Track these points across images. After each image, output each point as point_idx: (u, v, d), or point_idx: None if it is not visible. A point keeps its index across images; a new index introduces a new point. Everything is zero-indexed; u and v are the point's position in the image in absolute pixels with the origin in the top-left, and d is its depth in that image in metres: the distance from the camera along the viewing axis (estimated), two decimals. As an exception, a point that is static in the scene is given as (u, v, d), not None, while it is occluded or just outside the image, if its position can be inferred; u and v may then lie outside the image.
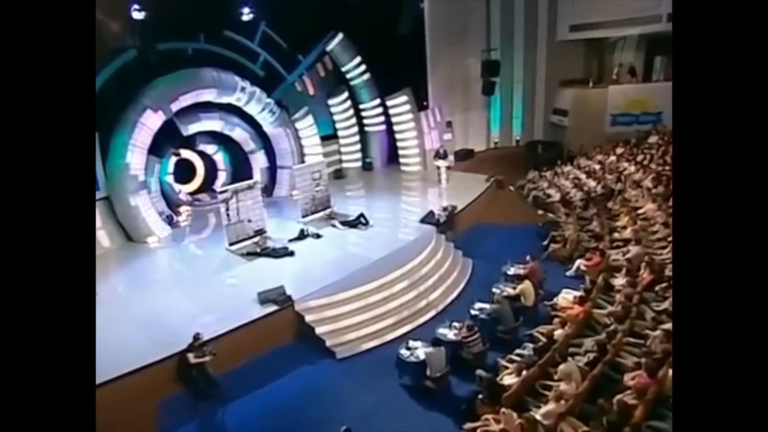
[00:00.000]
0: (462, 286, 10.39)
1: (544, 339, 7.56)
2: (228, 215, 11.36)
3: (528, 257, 9.96)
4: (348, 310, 8.96)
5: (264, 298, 8.78)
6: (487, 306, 8.78)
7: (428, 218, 12.25)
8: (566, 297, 8.97)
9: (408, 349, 7.67)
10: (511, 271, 9.99)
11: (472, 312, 8.66)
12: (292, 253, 10.95)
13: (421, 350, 7.58)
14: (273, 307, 8.65)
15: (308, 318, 8.75)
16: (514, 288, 9.24)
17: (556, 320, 7.92)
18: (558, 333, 7.37)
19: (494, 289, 9.36)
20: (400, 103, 16.69)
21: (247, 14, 13.39)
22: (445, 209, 12.47)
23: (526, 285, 9.06)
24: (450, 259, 11.04)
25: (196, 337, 7.56)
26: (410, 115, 16.76)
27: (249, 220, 11.70)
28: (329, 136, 16.88)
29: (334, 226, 12.36)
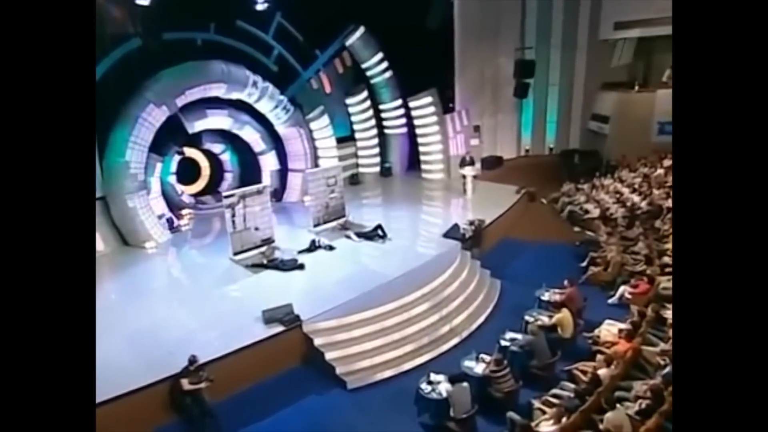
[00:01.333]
0: (489, 310, 10.04)
1: (585, 379, 7.05)
2: (233, 222, 11.22)
3: (566, 282, 9.46)
4: (362, 334, 8.70)
5: (269, 317, 8.53)
6: (519, 336, 8.33)
7: (452, 232, 11.93)
8: (609, 329, 8.48)
9: (429, 383, 7.29)
10: (546, 296, 9.52)
11: (502, 343, 8.22)
12: (301, 267, 10.73)
13: (444, 385, 7.19)
14: (279, 328, 8.42)
15: (317, 341, 8.49)
16: (550, 317, 8.76)
17: (600, 357, 7.39)
18: (603, 373, 6.85)
19: (527, 317, 8.91)
20: (423, 105, 16.45)
21: (261, 3, 13.27)
22: (471, 223, 12.10)
23: (564, 314, 8.57)
24: (476, 279, 10.69)
25: (192, 360, 7.25)
26: (434, 118, 16.51)
27: (256, 228, 11.55)
28: (346, 138, 16.72)
29: (348, 237, 12.16)
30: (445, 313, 9.42)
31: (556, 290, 9.56)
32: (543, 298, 9.52)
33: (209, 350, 7.78)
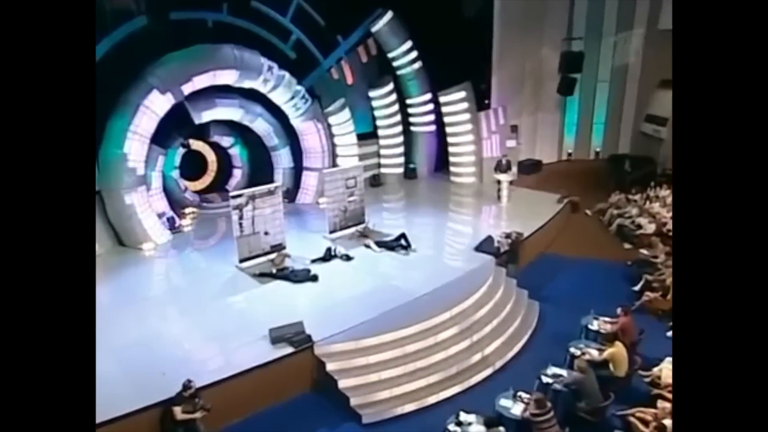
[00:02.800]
0: (526, 338, 9.63)
1: (645, 430, 6.48)
2: (240, 225, 11.02)
3: (618, 309, 8.86)
4: (381, 360, 8.41)
5: (277, 336, 8.27)
6: (563, 373, 7.79)
7: (486, 246, 11.54)
8: (671, 369, 7.82)
9: (458, 424, 6.87)
10: (595, 325, 8.96)
11: (544, 379, 7.71)
12: (314, 278, 10.51)
13: (476, 428, 6.75)
14: (287, 349, 8.15)
15: (330, 367, 8.21)
16: (600, 350, 8.19)
17: (664, 405, 6.79)
18: (669, 424, 6.25)
19: (572, 350, 8.37)
20: (456, 100, 16.21)
21: (280, -18, 13.19)
22: (507, 236, 11.69)
23: (617, 348, 7.98)
24: (512, 301, 10.28)
25: (187, 385, 6.93)
26: (467, 115, 16.26)
27: (265, 233, 11.37)
28: (367, 135, 16.61)
29: (368, 246, 11.92)
30: (477, 340, 9.08)
31: (607, 319, 8.99)
32: (591, 327, 8.96)
33: (207, 372, 7.56)
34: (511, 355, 9.12)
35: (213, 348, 8.39)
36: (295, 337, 8.20)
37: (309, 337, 8.28)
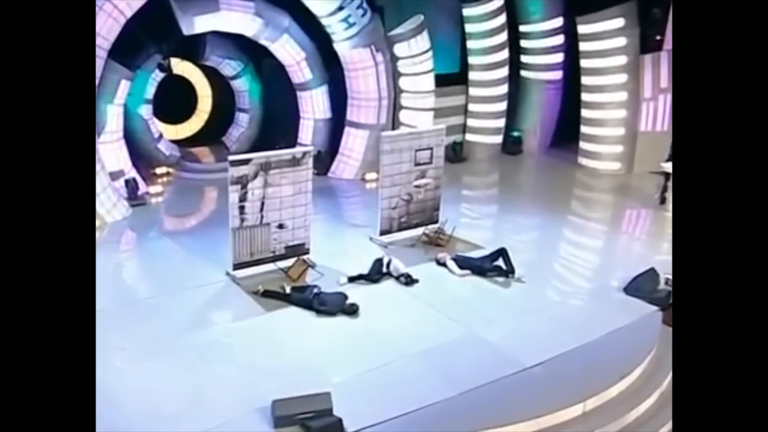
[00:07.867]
0: None
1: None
2: (241, 209, 10.78)
3: None
4: None
5: (284, 416, 7.59)
6: None
7: (644, 286, 10.71)
8: None
9: None
10: None
11: None
12: (353, 310, 10.01)
13: None
14: None
15: None
16: None
17: None
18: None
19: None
20: (606, 32, 16.23)
21: None
22: None
23: None
24: None
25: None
26: (623, 59, 16.31)
27: (279, 226, 11.19)
28: (451, 78, 17.06)
29: (442, 264, 11.57)
30: (631, 459, 8.36)
31: None
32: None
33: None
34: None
35: (175, 424, 7.64)
36: (317, 422, 7.53)
37: (339, 423, 7.56)
